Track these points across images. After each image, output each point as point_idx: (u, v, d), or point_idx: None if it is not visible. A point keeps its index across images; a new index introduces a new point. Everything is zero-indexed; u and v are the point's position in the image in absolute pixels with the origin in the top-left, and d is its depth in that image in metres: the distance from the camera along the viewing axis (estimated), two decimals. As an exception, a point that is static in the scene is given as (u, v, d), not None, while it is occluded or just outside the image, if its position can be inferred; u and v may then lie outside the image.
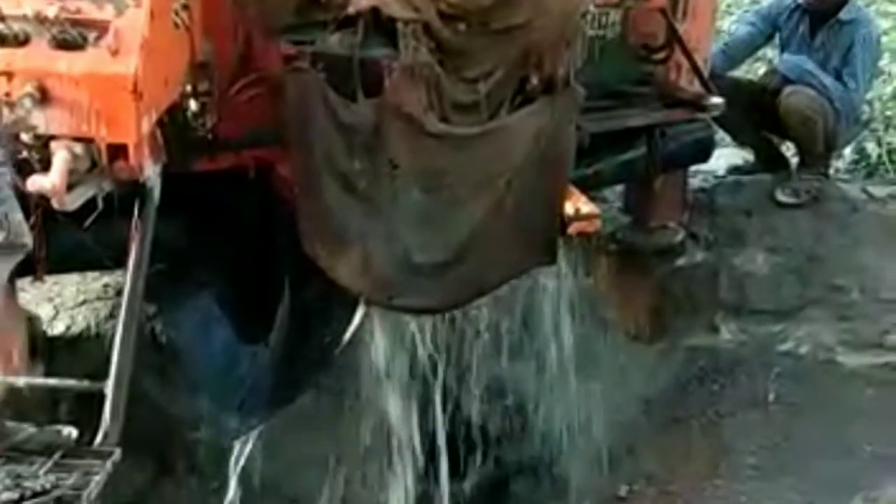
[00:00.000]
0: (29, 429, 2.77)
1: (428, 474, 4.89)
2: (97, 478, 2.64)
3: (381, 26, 3.54)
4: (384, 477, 4.77)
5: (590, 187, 4.22)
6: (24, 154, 2.72)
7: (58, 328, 4.19)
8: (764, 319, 5.38)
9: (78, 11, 2.79)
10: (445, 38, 3.58)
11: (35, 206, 2.87)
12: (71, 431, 2.78)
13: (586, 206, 3.87)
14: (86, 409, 2.89)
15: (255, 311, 3.81)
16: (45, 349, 3.97)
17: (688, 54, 4.57)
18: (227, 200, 3.67)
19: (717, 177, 5.98)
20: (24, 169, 2.70)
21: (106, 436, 2.77)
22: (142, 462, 4.13)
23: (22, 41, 2.72)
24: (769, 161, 6.07)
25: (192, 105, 3.32)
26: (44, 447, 2.74)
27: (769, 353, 5.26)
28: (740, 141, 6.19)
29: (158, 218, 3.06)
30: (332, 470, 4.61)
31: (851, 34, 5.66)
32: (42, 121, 2.70)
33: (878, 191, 5.96)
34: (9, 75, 2.68)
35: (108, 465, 2.69)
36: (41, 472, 2.63)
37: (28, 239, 2.66)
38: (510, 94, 3.74)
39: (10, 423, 2.79)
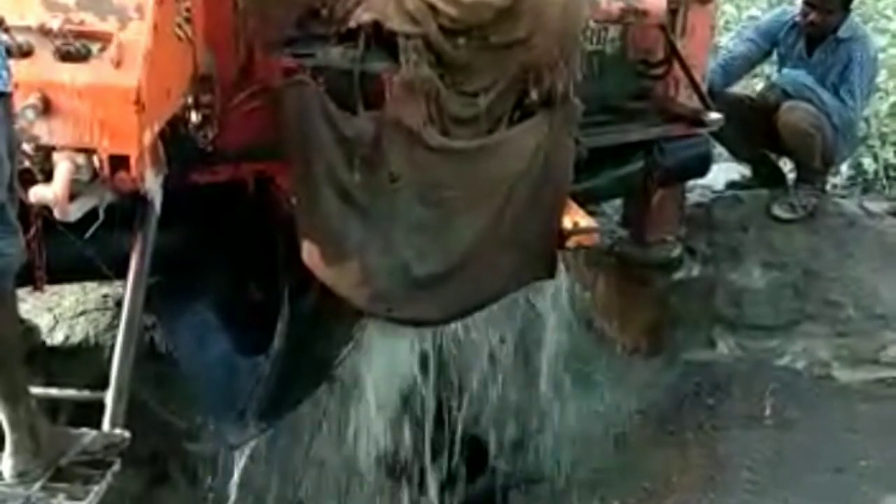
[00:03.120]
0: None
1: (423, 486, 4.90)
2: (96, 488, 2.65)
3: (382, 40, 3.55)
4: (379, 488, 4.77)
5: (588, 201, 4.23)
6: (27, 164, 2.73)
7: (57, 338, 4.19)
8: (760, 334, 5.41)
9: (81, 23, 2.80)
10: (446, 52, 3.59)
11: (36, 216, 2.89)
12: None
13: (585, 220, 3.88)
14: (85, 419, 2.89)
15: (255, 323, 3.82)
16: (44, 359, 3.99)
17: (686, 70, 4.59)
18: (226, 212, 3.68)
19: (714, 192, 6.01)
20: (26, 179, 2.71)
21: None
22: (139, 472, 4.13)
23: (25, 52, 2.73)
24: (766, 176, 6.11)
25: (194, 117, 3.33)
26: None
27: (765, 367, 5.28)
28: (738, 156, 6.23)
29: (159, 229, 3.07)
30: (328, 481, 4.61)
31: (849, 51, 5.69)
32: (44, 131, 2.70)
33: (875, 206, 6.00)
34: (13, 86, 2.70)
35: (108, 475, 2.70)
36: (40, 483, 2.64)
37: None
38: (509, 108, 3.75)
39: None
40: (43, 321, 4.22)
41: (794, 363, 5.30)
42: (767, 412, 5.02)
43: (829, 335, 5.36)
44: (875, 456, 4.68)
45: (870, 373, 5.21)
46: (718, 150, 5.82)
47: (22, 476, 2.63)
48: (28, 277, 3.09)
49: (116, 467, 2.75)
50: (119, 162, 2.79)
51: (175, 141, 3.19)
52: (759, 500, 4.55)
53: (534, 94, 3.73)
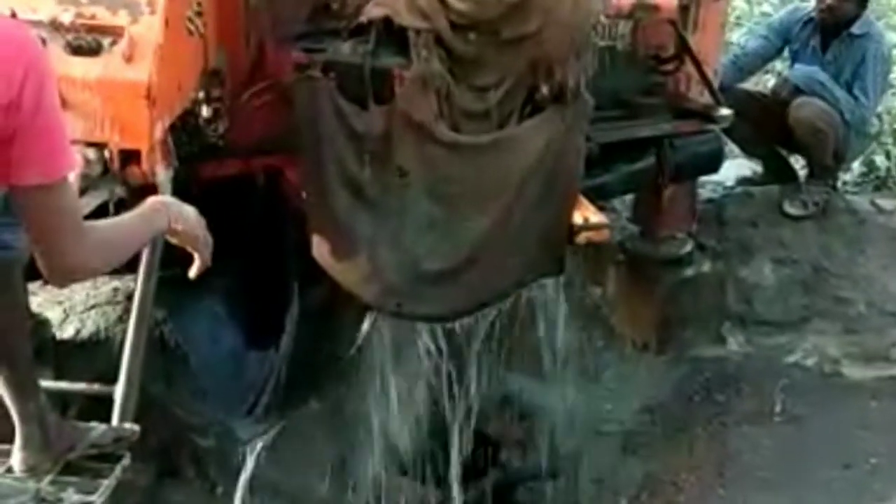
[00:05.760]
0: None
1: (433, 481, 4.90)
2: (106, 482, 2.66)
3: (393, 35, 3.56)
4: (391, 483, 4.77)
5: (599, 197, 4.22)
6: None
7: (67, 332, 4.19)
8: (770, 331, 5.39)
9: (93, 17, 2.81)
10: (456, 47, 3.59)
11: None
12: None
13: (595, 216, 3.87)
14: (95, 412, 2.90)
15: (264, 317, 3.83)
16: (54, 353, 3.99)
17: (697, 65, 4.58)
18: (236, 206, 3.68)
19: (725, 188, 6.00)
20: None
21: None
22: (148, 466, 4.13)
23: (37, 47, 2.74)
24: (778, 172, 6.09)
25: (205, 111, 3.34)
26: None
27: (775, 364, 5.26)
28: (749, 152, 6.21)
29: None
30: (339, 476, 4.61)
31: (863, 48, 5.67)
32: (56, 125, 2.72)
33: (887, 203, 5.97)
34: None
35: (118, 469, 2.71)
36: (50, 477, 2.65)
37: None
38: (520, 103, 3.74)
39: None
40: (53, 315, 4.21)
41: (804, 360, 5.29)
42: (777, 409, 5.00)
43: (840, 332, 5.34)
44: (884, 453, 4.66)
45: (880, 370, 5.20)
46: (730, 146, 5.80)
47: (32, 470, 2.64)
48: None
49: (126, 461, 2.76)
50: (130, 156, 2.80)
51: (186, 135, 3.20)
52: (769, 496, 4.54)
53: (544, 90, 3.71)
